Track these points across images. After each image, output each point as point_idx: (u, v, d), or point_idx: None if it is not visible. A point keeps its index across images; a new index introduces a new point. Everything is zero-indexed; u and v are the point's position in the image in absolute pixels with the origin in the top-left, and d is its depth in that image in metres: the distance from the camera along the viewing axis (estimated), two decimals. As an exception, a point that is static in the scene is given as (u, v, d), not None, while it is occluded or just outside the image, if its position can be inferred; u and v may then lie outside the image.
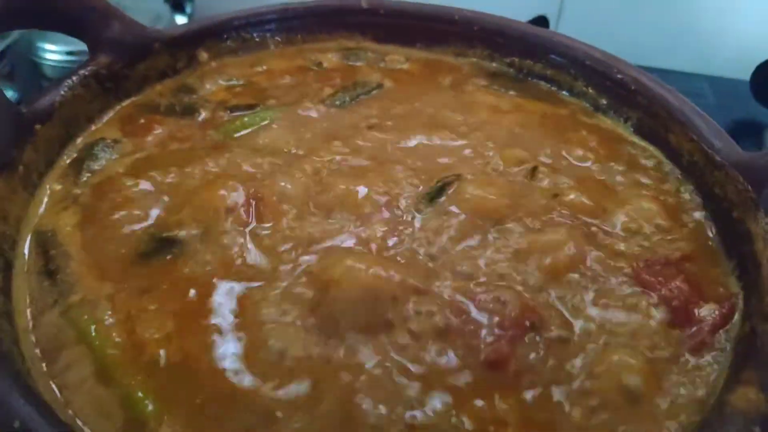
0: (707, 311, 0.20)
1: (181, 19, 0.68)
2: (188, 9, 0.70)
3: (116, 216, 0.23)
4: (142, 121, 0.28)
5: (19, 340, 0.19)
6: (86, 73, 0.27)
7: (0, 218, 0.21)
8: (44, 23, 0.28)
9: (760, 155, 0.23)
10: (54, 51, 0.58)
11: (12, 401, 0.16)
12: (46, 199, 0.24)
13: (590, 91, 0.31)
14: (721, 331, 0.20)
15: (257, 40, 0.34)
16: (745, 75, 0.64)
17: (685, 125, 0.26)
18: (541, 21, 0.63)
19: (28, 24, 0.28)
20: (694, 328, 0.20)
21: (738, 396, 0.16)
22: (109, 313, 0.19)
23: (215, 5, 0.71)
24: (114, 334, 0.19)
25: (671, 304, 0.20)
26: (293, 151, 0.27)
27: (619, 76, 0.30)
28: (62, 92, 0.26)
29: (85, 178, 0.25)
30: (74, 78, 0.27)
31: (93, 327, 0.19)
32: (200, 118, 0.29)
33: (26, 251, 0.22)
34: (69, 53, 0.59)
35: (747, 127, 0.67)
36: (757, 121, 0.70)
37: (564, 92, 0.32)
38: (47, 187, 0.24)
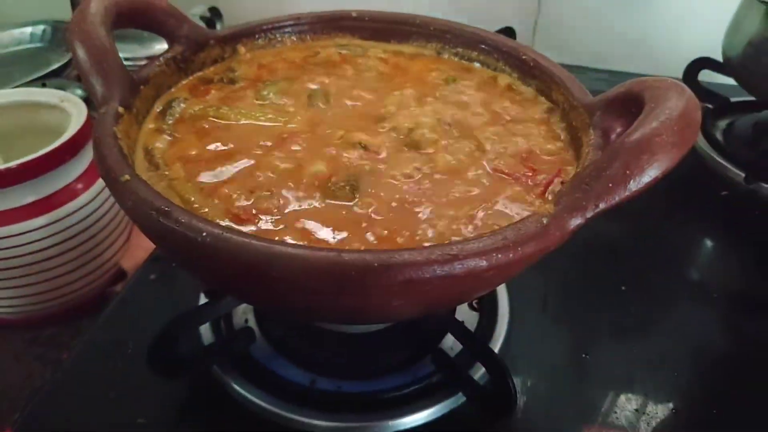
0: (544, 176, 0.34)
1: (213, 35, 0.83)
2: (218, 26, 0.85)
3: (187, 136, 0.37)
4: (202, 88, 0.43)
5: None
6: (168, 56, 0.42)
7: (126, 136, 0.35)
8: (141, 25, 0.42)
9: (596, 98, 0.36)
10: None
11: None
12: (147, 130, 0.38)
13: (506, 68, 0.45)
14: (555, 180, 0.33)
15: (279, 38, 0.48)
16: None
17: (560, 85, 0.40)
18: (509, 31, 0.76)
19: (129, 26, 0.42)
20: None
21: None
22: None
23: (239, 23, 0.86)
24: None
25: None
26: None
27: (524, 57, 0.44)
28: (155, 68, 0.41)
29: (169, 120, 0.39)
30: (161, 59, 0.41)
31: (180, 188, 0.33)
32: (238, 86, 0.43)
33: (140, 155, 0.36)
34: (125, 59, 0.75)
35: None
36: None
37: (490, 70, 0.46)
38: (147, 124, 0.39)
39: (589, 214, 0.29)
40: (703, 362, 0.45)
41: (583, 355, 0.44)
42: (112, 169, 0.30)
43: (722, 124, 0.70)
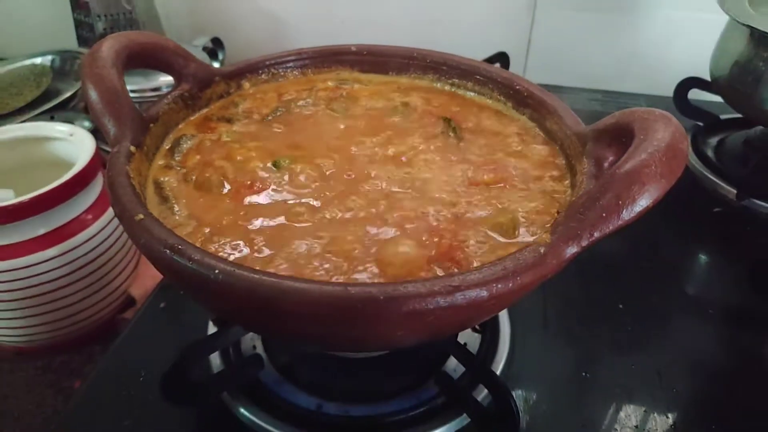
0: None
1: (215, 64, 0.85)
2: (221, 56, 0.87)
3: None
4: (210, 124, 0.45)
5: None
6: (176, 94, 0.44)
7: (138, 174, 0.37)
8: (149, 65, 0.44)
9: (589, 128, 0.38)
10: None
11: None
12: (157, 166, 0.40)
13: (501, 97, 0.47)
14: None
15: (281, 73, 0.50)
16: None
17: (553, 114, 0.42)
18: (503, 56, 0.78)
19: (139, 66, 0.44)
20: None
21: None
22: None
23: (241, 54, 0.89)
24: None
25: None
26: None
27: (518, 87, 0.45)
28: (163, 106, 0.42)
29: (177, 156, 0.41)
30: (169, 97, 0.43)
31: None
32: (238, 123, 0.45)
33: (150, 190, 0.37)
34: (132, 92, 0.77)
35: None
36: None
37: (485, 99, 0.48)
38: (157, 161, 0.40)
39: (584, 243, 0.30)
40: (701, 377, 0.46)
41: (583, 374, 0.45)
42: (127, 209, 0.32)
43: (713, 141, 0.72)
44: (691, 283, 0.56)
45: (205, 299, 0.31)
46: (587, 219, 0.30)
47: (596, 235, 0.30)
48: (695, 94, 0.75)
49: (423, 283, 0.28)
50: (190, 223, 0.35)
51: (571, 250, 0.30)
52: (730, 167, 0.66)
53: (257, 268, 0.29)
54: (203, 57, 0.81)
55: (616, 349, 0.47)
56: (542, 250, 0.30)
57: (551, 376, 0.45)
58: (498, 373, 0.43)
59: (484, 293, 0.28)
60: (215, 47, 0.86)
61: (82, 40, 0.89)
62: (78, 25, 0.88)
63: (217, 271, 0.28)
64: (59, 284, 0.53)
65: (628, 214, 0.30)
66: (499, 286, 0.28)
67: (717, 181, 0.64)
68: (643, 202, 0.30)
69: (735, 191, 0.63)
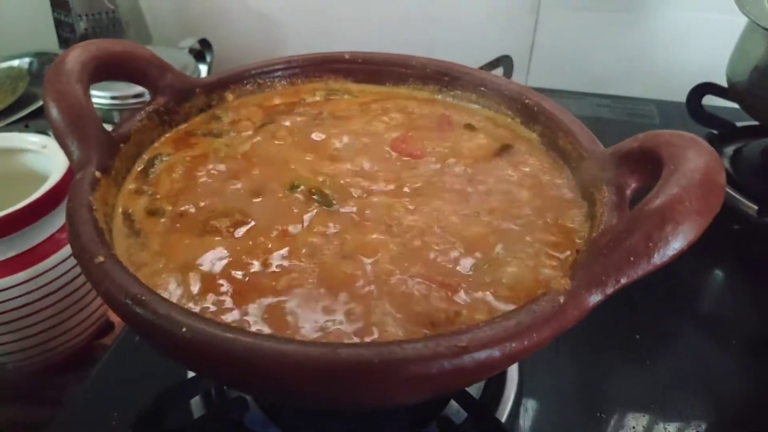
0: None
1: (203, 67, 0.81)
2: (208, 58, 0.83)
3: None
4: (190, 140, 0.40)
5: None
6: (150, 109, 0.39)
7: (103, 202, 0.33)
8: (122, 77, 0.40)
9: (609, 150, 0.34)
10: (99, 96, 0.71)
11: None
12: (126, 191, 0.36)
13: (509, 112, 0.42)
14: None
15: (268, 83, 0.46)
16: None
17: (568, 133, 0.38)
18: (506, 59, 0.74)
19: (109, 78, 0.40)
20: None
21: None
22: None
23: (230, 56, 0.85)
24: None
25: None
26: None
27: (527, 101, 0.41)
28: (136, 123, 0.38)
29: (149, 178, 0.37)
30: (142, 113, 0.39)
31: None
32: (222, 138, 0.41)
33: (118, 221, 0.33)
34: (112, 98, 0.72)
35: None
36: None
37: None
38: (127, 185, 0.36)
39: (609, 290, 0.26)
40: (724, 414, 0.42)
41: (599, 414, 0.41)
42: (86, 249, 0.28)
43: (729, 150, 0.68)
44: (711, 307, 0.53)
45: (171, 356, 0.27)
46: (612, 262, 0.26)
47: (623, 281, 0.26)
48: (708, 100, 0.71)
49: (425, 342, 0.24)
50: (160, 261, 0.31)
51: (595, 298, 0.26)
52: (750, 180, 0.62)
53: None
54: (189, 60, 0.76)
55: (633, 386, 0.43)
56: (561, 300, 0.26)
57: (563, 417, 0.41)
58: (505, 417, 0.39)
59: (496, 353, 0.24)
60: (203, 49, 0.82)
61: (63, 41, 0.84)
62: (58, 25, 0.83)
63: (184, 329, 0.24)
64: (30, 310, 0.49)
65: (659, 258, 0.26)
66: (513, 345, 0.24)
67: (736, 195, 0.61)
68: (677, 245, 0.26)
69: (756, 207, 0.59)
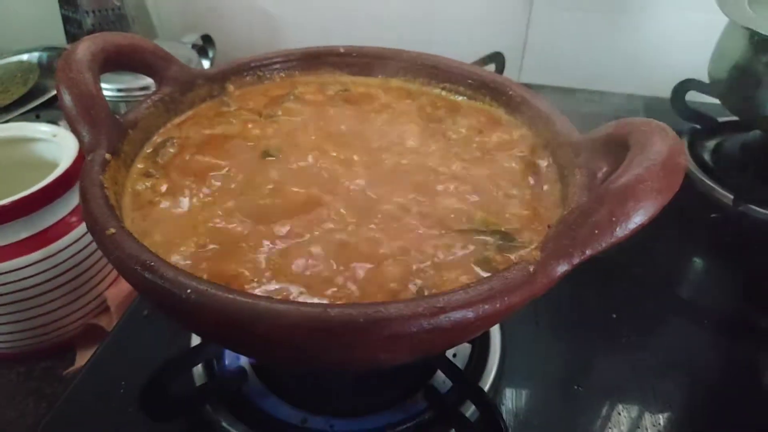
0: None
1: (205, 62, 0.84)
2: (211, 54, 0.86)
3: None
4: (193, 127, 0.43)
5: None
6: (156, 98, 0.42)
7: (113, 182, 0.35)
8: (129, 67, 0.42)
9: (583, 137, 0.37)
10: (107, 89, 0.74)
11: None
12: (136, 171, 0.38)
13: (494, 103, 0.45)
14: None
15: (267, 75, 0.48)
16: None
17: (548, 122, 0.40)
18: (498, 56, 0.77)
19: (117, 69, 0.42)
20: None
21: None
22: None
23: (231, 52, 0.88)
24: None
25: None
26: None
27: (511, 93, 0.44)
28: (143, 110, 0.41)
29: (159, 160, 0.39)
30: (149, 101, 0.42)
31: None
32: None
33: (128, 199, 0.36)
34: (119, 90, 0.75)
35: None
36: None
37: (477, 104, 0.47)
38: (137, 164, 0.39)
39: (575, 261, 0.29)
40: (696, 391, 0.45)
41: (576, 387, 0.44)
42: (98, 222, 0.30)
43: (710, 144, 0.71)
44: (686, 290, 0.55)
45: (177, 318, 0.30)
46: (579, 236, 0.28)
47: (588, 252, 0.28)
48: (692, 96, 0.74)
49: (406, 304, 0.26)
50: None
51: (562, 268, 0.29)
52: (728, 172, 0.65)
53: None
54: (192, 55, 0.79)
55: (609, 362, 0.46)
56: (531, 269, 0.28)
57: (542, 390, 0.44)
58: (488, 386, 0.42)
59: (470, 314, 0.27)
60: (205, 44, 0.84)
61: (71, 37, 0.87)
62: (66, 21, 0.86)
63: (189, 291, 0.26)
64: (43, 289, 0.52)
65: (621, 231, 0.28)
66: (486, 307, 0.27)
67: (714, 186, 0.63)
68: (637, 219, 0.28)
69: (732, 196, 0.61)
